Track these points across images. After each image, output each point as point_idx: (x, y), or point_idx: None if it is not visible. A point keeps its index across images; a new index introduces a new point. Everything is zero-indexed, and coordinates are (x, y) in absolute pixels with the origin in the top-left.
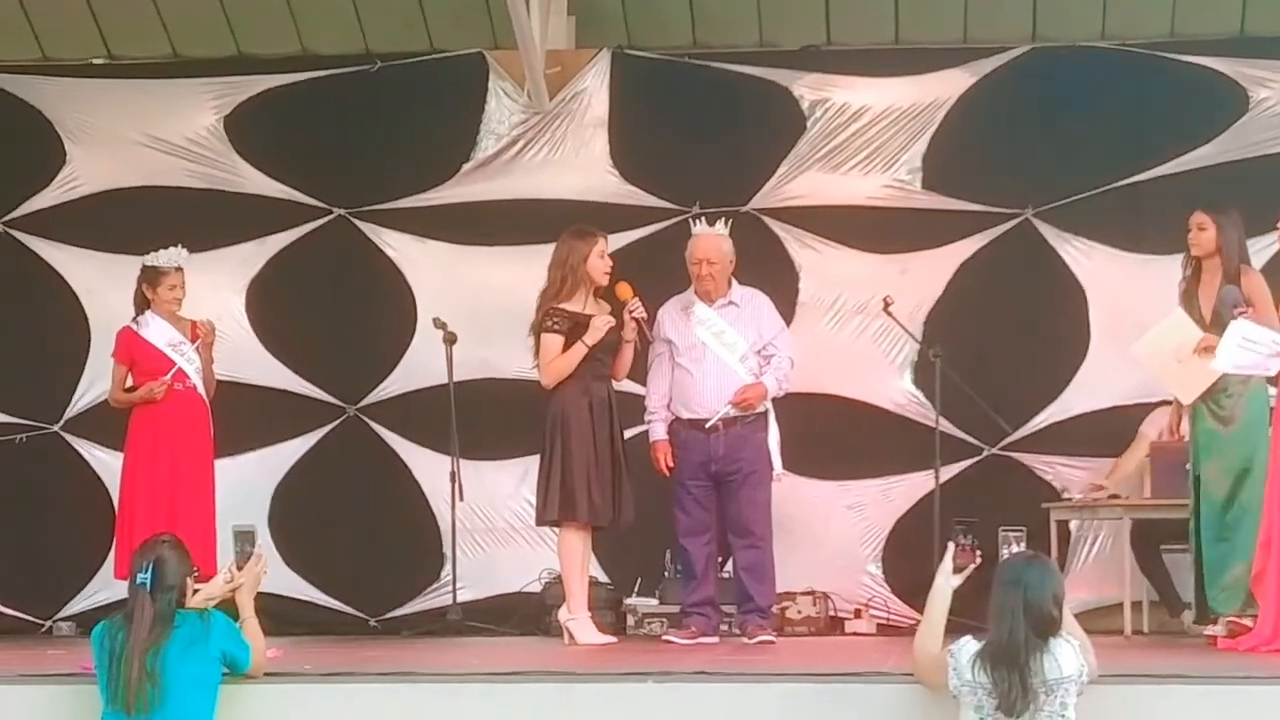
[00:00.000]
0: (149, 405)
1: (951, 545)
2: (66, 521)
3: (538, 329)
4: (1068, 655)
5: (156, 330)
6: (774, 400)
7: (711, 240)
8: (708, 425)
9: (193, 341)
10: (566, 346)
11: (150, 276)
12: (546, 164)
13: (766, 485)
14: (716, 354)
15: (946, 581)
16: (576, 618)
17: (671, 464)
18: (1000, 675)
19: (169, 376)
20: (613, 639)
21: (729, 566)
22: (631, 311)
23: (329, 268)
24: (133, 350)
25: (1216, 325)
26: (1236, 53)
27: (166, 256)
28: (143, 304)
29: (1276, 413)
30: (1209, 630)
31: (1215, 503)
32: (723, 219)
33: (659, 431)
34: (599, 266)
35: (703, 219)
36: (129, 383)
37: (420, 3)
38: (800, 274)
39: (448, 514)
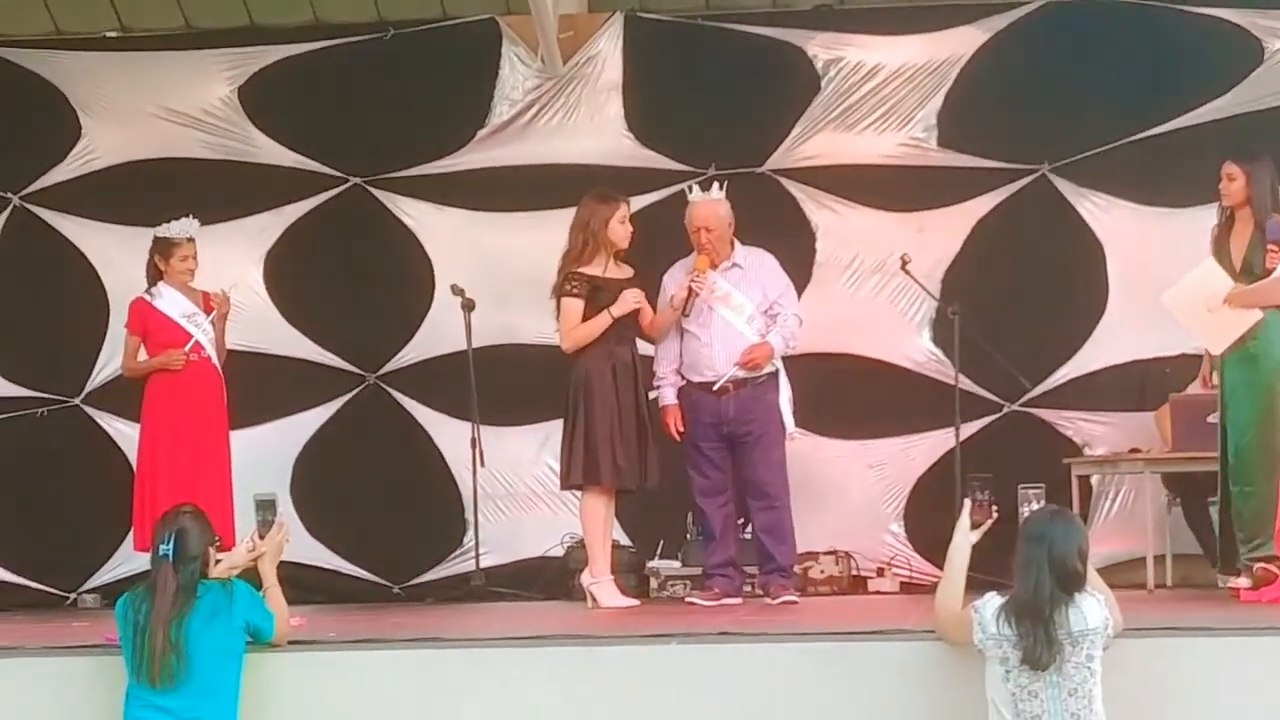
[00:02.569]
0: (165, 376)
1: (968, 501)
2: (89, 494)
3: (558, 292)
4: (1093, 608)
5: (170, 301)
6: (786, 359)
7: (708, 206)
8: (715, 387)
9: (206, 313)
10: (586, 310)
11: (162, 248)
12: (561, 129)
13: (780, 445)
14: (723, 316)
15: (965, 538)
16: (599, 581)
17: (681, 428)
18: (1025, 629)
19: (188, 348)
20: (635, 602)
21: (750, 528)
22: (694, 280)
23: (346, 236)
24: (146, 320)
25: (1247, 274)
26: (1250, 3)
27: (178, 227)
28: (155, 275)
29: None
30: (1233, 582)
31: (1243, 453)
32: (717, 183)
33: (668, 396)
34: (620, 231)
35: (697, 185)
36: (142, 354)
37: None
38: (817, 234)
39: (469, 480)
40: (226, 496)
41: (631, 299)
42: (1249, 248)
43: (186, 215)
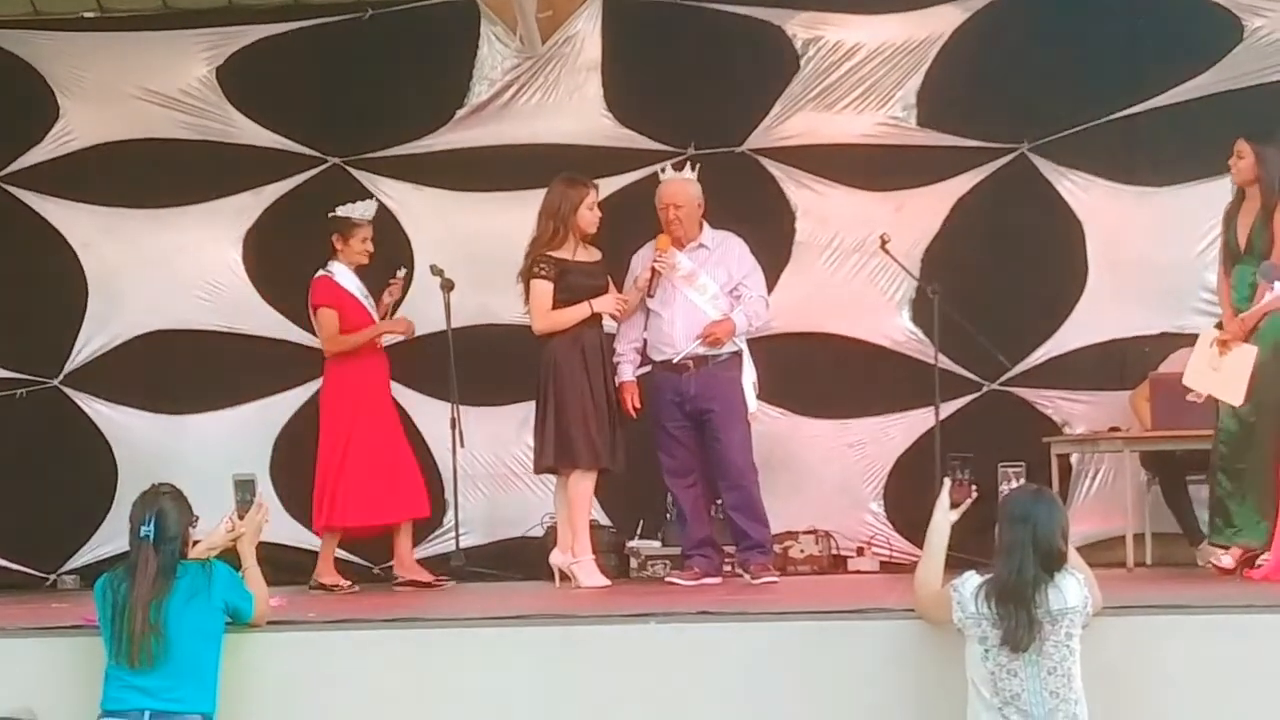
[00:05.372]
0: (352, 359)
1: (948, 480)
2: (68, 475)
3: (526, 275)
4: (1072, 587)
5: (349, 280)
6: (764, 338)
7: (678, 185)
8: (675, 361)
9: (391, 291)
10: (555, 292)
11: (343, 228)
12: (540, 109)
13: (742, 424)
14: (686, 296)
15: (944, 516)
16: (580, 560)
17: (639, 404)
18: (1006, 611)
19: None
20: (608, 582)
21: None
22: (656, 259)
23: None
24: (338, 297)
25: (1251, 253)
26: None
27: (361, 209)
28: (329, 254)
29: None
30: (1215, 559)
31: (1233, 434)
32: (689, 164)
33: (626, 373)
34: (588, 217)
35: (670, 165)
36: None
37: None
38: (796, 213)
39: (449, 460)
40: (415, 467)
41: (612, 304)
42: (1254, 228)
43: (368, 198)
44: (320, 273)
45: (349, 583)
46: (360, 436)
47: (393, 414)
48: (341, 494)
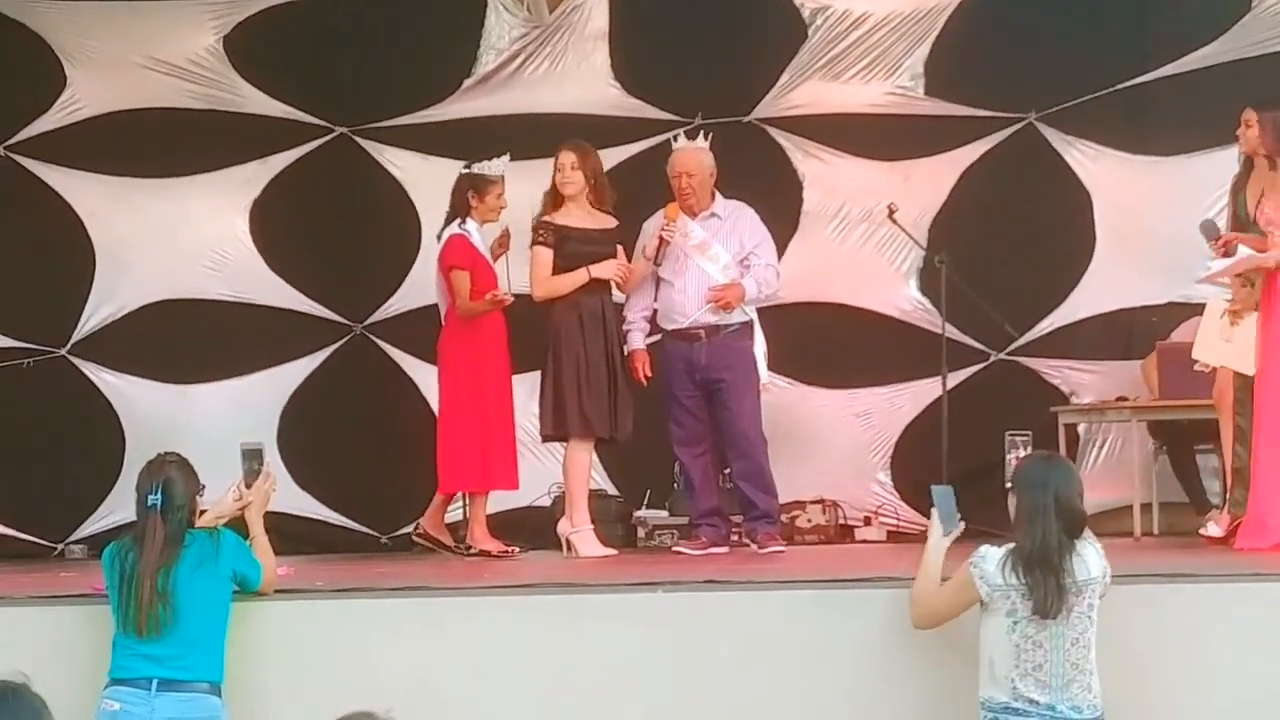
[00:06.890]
0: (478, 318)
1: (935, 512)
2: (76, 444)
3: (531, 242)
4: (1093, 557)
5: (480, 239)
6: (772, 308)
7: (691, 154)
8: (688, 326)
9: (502, 243)
10: (556, 259)
11: (479, 185)
12: (548, 78)
13: (753, 393)
14: (698, 264)
15: (939, 542)
16: (579, 530)
17: (649, 373)
18: (1035, 579)
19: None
20: (613, 551)
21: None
22: (664, 228)
23: (332, 186)
24: (473, 257)
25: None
26: None
27: (497, 165)
28: (463, 211)
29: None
30: (1202, 531)
31: (1247, 404)
32: (702, 133)
33: (636, 341)
34: (558, 179)
35: (683, 134)
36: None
37: None
38: (804, 183)
39: None
40: (514, 438)
41: (613, 269)
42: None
43: (504, 154)
44: (455, 231)
45: (515, 547)
46: (493, 396)
47: (507, 382)
48: (495, 454)
